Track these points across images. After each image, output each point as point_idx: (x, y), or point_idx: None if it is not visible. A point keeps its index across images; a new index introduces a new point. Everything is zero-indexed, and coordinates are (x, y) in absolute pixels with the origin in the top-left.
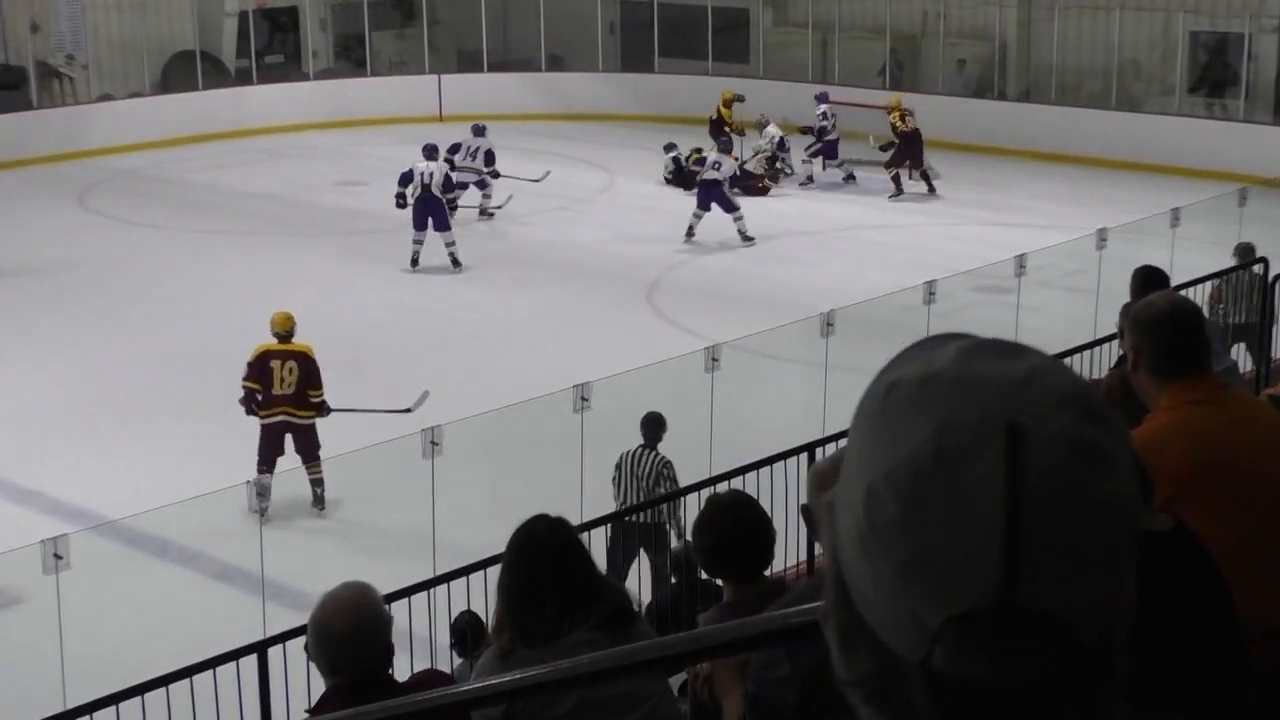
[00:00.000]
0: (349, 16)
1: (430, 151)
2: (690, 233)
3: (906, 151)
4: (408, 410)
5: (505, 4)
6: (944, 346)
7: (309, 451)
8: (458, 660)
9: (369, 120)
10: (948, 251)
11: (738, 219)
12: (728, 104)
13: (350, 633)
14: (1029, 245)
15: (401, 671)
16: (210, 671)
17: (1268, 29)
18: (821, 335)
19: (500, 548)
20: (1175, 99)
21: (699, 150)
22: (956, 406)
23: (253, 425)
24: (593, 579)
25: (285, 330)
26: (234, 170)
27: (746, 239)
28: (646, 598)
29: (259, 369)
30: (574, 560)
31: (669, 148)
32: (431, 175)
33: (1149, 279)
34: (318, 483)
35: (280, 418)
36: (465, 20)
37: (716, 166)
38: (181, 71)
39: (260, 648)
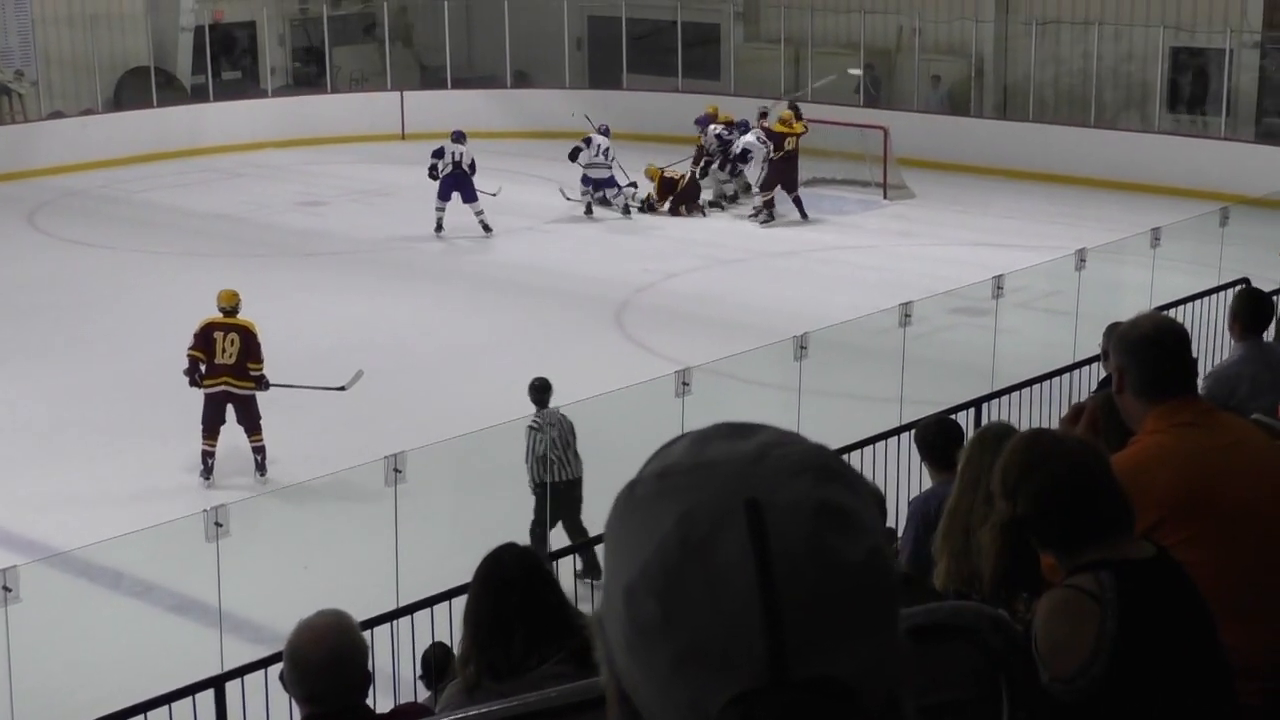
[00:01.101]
0: (308, 31)
1: (459, 136)
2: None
3: (781, 174)
4: (341, 389)
5: (469, 19)
6: (680, 440)
7: (250, 421)
8: (425, 693)
9: (329, 138)
10: (923, 272)
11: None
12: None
13: (327, 661)
14: (1007, 266)
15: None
16: (166, 707)
17: (1248, 44)
18: (795, 358)
19: (465, 577)
20: (1155, 116)
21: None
22: (694, 494)
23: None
24: (562, 609)
25: (230, 306)
26: (190, 190)
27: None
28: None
29: (203, 339)
30: (542, 590)
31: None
32: (462, 154)
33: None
34: (259, 450)
35: (221, 387)
36: (429, 35)
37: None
38: (135, 88)
39: (217, 682)
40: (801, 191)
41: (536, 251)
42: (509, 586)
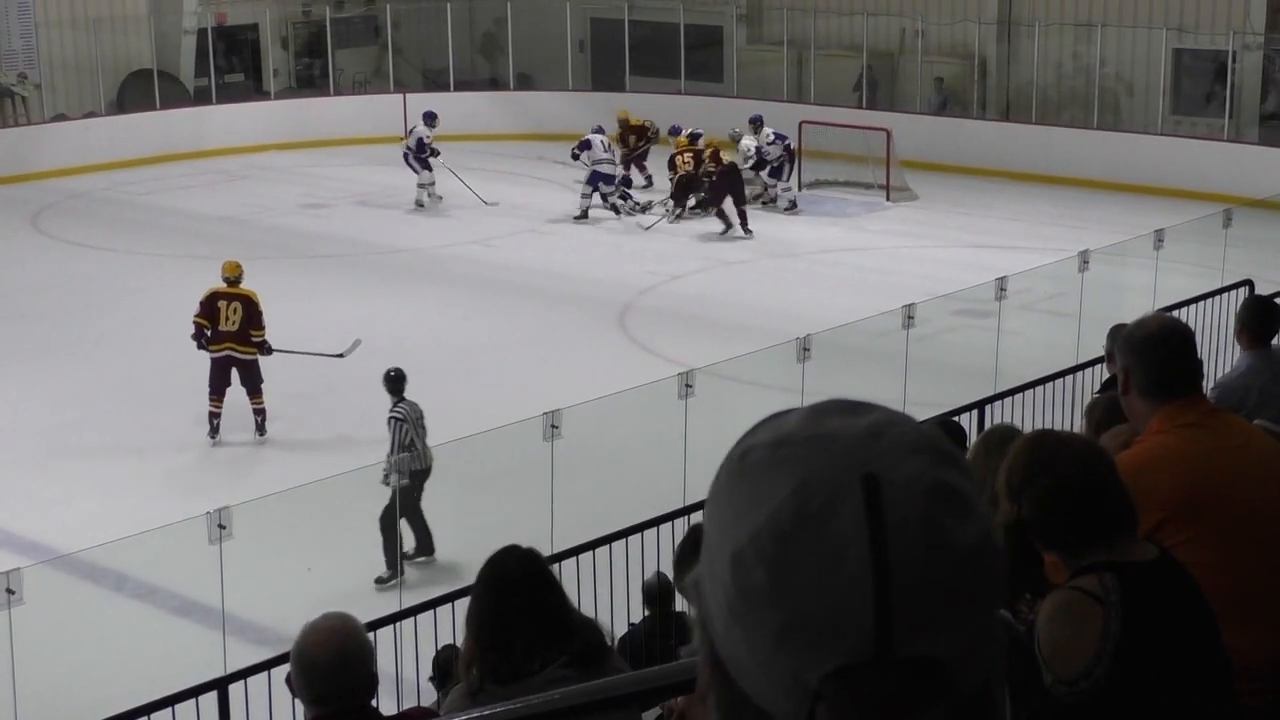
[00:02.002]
0: (311, 34)
1: (599, 129)
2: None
3: (724, 187)
4: (340, 355)
5: (472, 21)
6: (792, 411)
7: (252, 385)
8: (434, 695)
9: (332, 141)
10: (926, 274)
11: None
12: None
13: (333, 663)
14: (1009, 268)
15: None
16: (169, 709)
17: (1251, 46)
18: (798, 360)
19: (468, 579)
20: (1158, 118)
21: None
22: (811, 464)
23: (218, 449)
24: (565, 613)
25: (233, 276)
26: (192, 192)
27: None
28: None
29: (208, 307)
30: (545, 594)
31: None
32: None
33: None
34: (259, 413)
35: (225, 352)
36: (431, 38)
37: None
38: (138, 91)
39: (221, 684)
40: (799, 194)
41: (539, 253)
42: (511, 589)
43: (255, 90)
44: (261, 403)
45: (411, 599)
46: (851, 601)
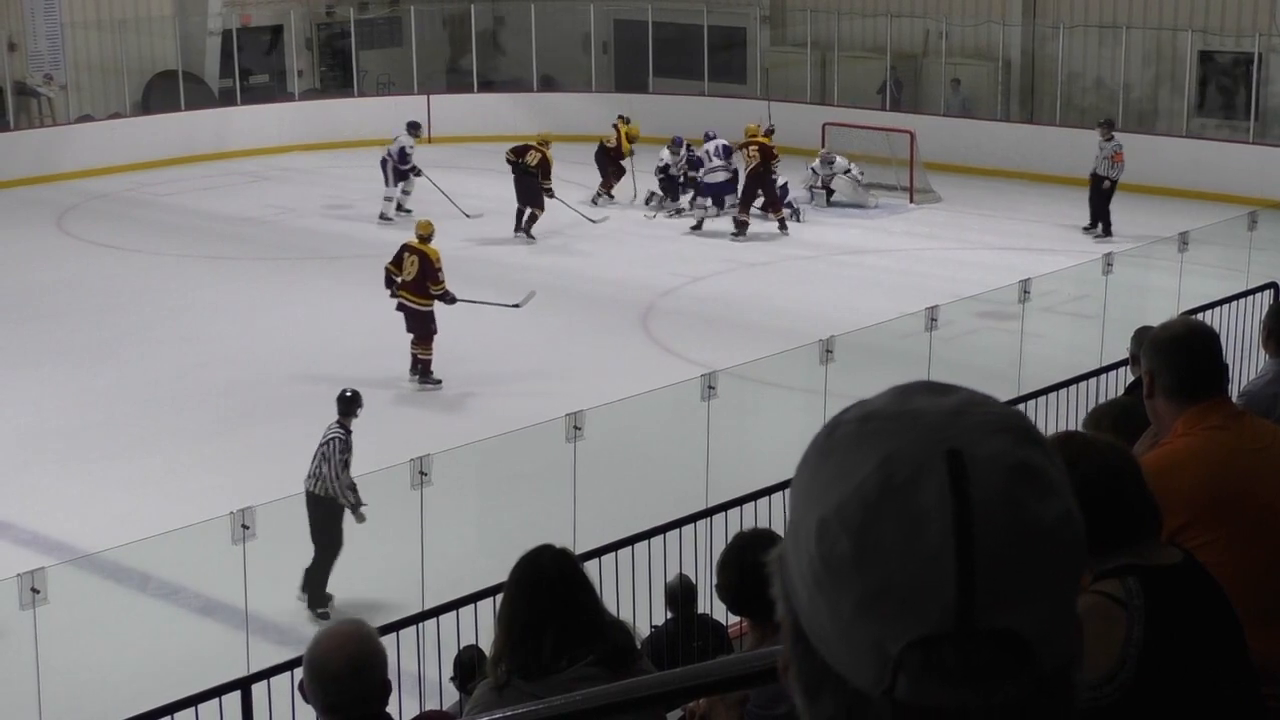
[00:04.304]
0: (335, 36)
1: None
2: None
3: (757, 189)
4: (516, 306)
5: (495, 23)
6: (882, 393)
7: (417, 332)
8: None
9: (355, 142)
10: (950, 276)
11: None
12: (631, 139)
13: (346, 670)
14: (1033, 270)
15: (393, 709)
16: (193, 709)
17: (1278, 49)
18: (821, 362)
19: (490, 580)
20: (1184, 120)
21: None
22: (898, 439)
23: (242, 449)
24: (597, 613)
25: (424, 234)
26: (216, 193)
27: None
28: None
29: (397, 256)
30: (578, 593)
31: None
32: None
33: None
34: (422, 361)
35: (400, 299)
36: (455, 39)
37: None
38: (163, 92)
39: (244, 684)
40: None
41: (561, 255)
42: (544, 587)
43: (279, 91)
44: (428, 353)
45: (433, 599)
46: (934, 572)
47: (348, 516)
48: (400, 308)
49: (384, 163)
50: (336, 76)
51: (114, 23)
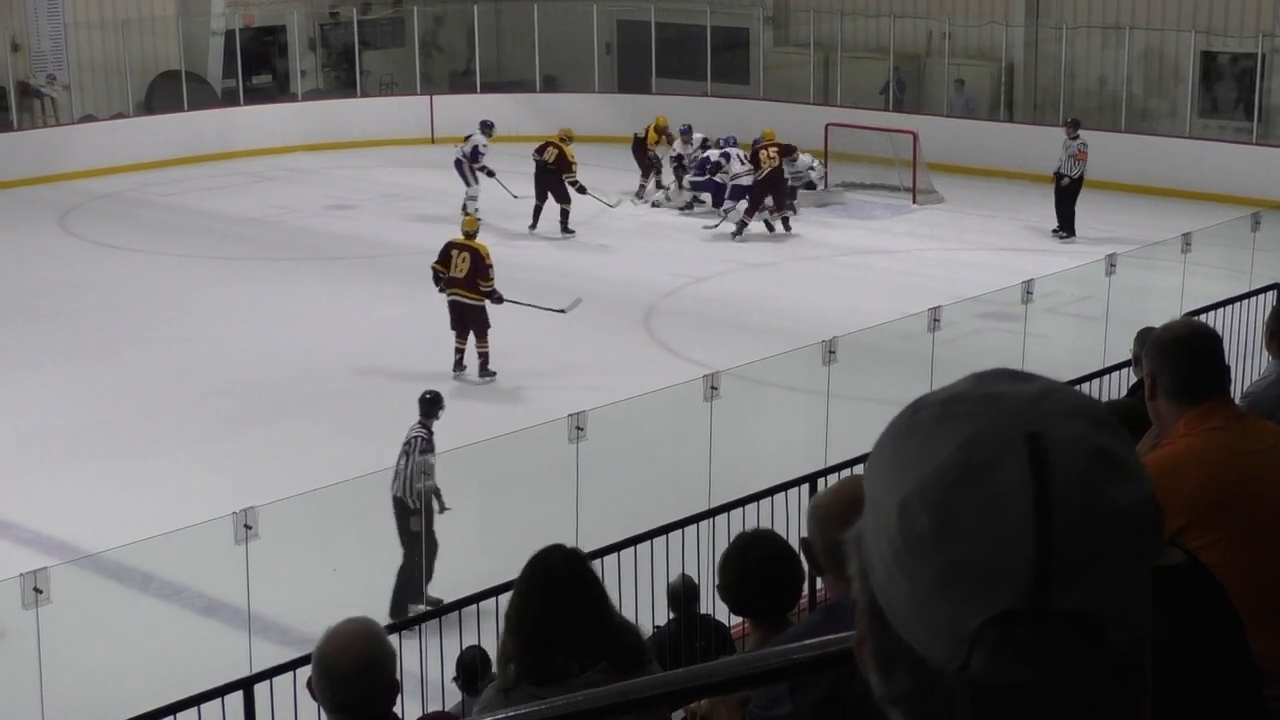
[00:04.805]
0: (338, 36)
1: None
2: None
3: (767, 192)
4: (561, 311)
5: (498, 23)
6: (960, 380)
7: (477, 329)
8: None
9: (359, 142)
10: (952, 277)
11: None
12: (659, 130)
13: (355, 669)
14: (1036, 271)
15: (397, 709)
16: (195, 709)
17: None
18: (823, 363)
19: (493, 581)
20: (1186, 121)
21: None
22: (979, 421)
23: (244, 449)
24: (606, 615)
25: (470, 231)
26: (219, 194)
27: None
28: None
29: (444, 255)
30: (588, 594)
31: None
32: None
33: None
34: (482, 355)
35: (453, 297)
36: (458, 39)
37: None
38: (166, 92)
39: (246, 684)
40: (797, 199)
41: (564, 255)
42: (555, 588)
43: (282, 92)
44: (485, 346)
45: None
46: (1012, 551)
47: (437, 517)
48: (453, 305)
49: (458, 163)
50: (340, 77)
51: (117, 23)
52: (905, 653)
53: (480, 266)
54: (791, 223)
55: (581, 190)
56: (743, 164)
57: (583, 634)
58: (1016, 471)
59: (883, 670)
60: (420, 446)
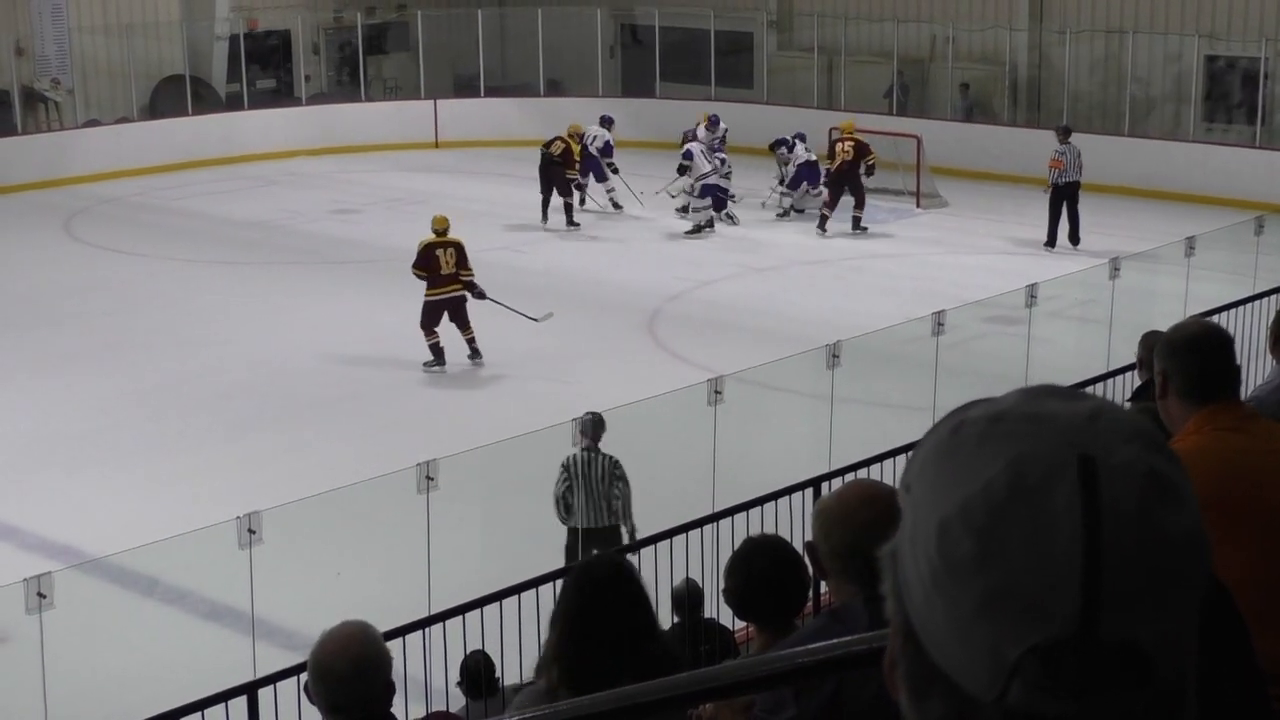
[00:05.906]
0: (343, 40)
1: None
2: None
3: (843, 186)
4: (534, 319)
5: (503, 27)
6: (1007, 394)
7: (461, 319)
8: (462, 701)
9: (363, 146)
10: (956, 281)
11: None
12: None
13: (350, 671)
14: (1040, 274)
15: (399, 713)
16: (199, 714)
17: None
18: (827, 367)
19: (496, 585)
20: (1190, 125)
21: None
22: (1028, 441)
23: (249, 454)
24: (650, 625)
25: (443, 228)
26: (224, 198)
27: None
28: None
29: (425, 259)
30: (632, 604)
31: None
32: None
33: None
34: (471, 341)
35: (450, 294)
36: (462, 44)
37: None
38: (170, 96)
39: (250, 689)
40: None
41: (568, 259)
42: (600, 596)
43: (287, 96)
44: (472, 333)
45: (440, 605)
46: (1060, 579)
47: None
48: (446, 302)
49: (590, 160)
50: (344, 81)
51: (121, 27)
52: (940, 679)
53: (463, 257)
54: (827, 224)
55: (580, 189)
56: (708, 163)
57: (623, 643)
58: (1066, 495)
59: (914, 695)
60: (610, 468)
